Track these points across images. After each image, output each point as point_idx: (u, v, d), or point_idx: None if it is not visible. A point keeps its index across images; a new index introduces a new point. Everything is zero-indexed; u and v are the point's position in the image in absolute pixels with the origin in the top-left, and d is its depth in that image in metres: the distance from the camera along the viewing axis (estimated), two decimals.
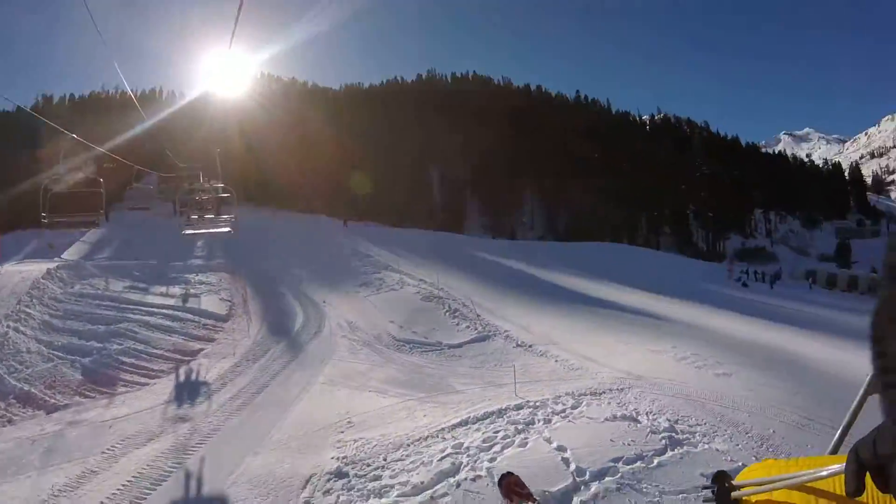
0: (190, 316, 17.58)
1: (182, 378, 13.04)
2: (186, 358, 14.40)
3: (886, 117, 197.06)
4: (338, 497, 7.31)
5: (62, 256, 28.15)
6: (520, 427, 9.14)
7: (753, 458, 7.73)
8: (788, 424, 9.48)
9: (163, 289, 20.77)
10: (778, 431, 9.17)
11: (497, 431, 9.00)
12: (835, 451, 1.50)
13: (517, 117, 73.96)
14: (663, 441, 8.31)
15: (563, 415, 9.71)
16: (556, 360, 14.32)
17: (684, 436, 8.70)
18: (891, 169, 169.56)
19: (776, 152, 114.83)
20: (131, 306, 17.90)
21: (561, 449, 8.01)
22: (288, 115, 63.44)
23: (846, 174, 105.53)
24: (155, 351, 14.54)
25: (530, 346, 15.73)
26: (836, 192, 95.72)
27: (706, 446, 8.39)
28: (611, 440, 8.29)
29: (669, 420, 9.31)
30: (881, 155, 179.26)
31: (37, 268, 20.11)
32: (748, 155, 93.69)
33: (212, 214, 15.45)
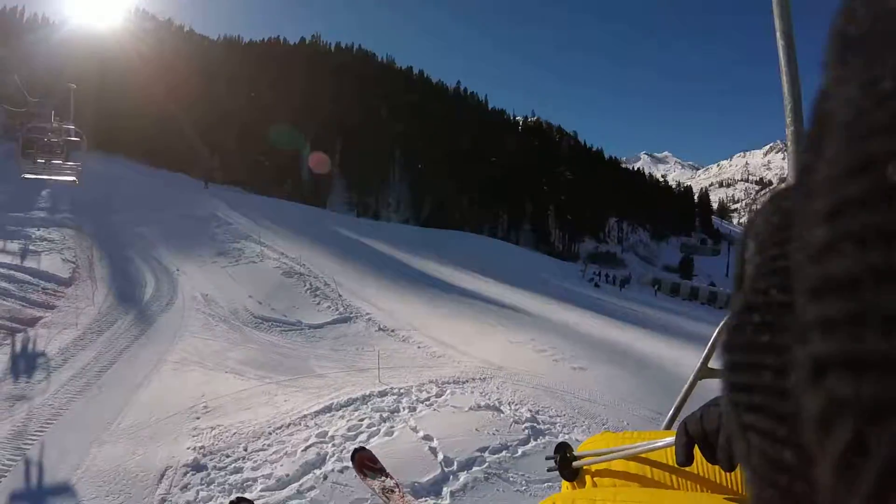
0: (28, 277, 15.31)
1: (17, 349, 11.38)
2: (22, 326, 12.59)
3: (739, 154, 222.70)
4: (197, 493, 6.62)
5: None
6: (385, 415, 8.87)
7: None
8: (640, 417, 9.89)
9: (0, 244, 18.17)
10: (631, 423, 9.54)
11: (362, 419, 8.66)
12: (668, 427, 1.62)
13: (395, 99, 74.06)
14: (526, 431, 8.47)
15: (427, 403, 9.58)
16: (419, 347, 14.19)
17: (545, 426, 8.92)
18: (735, 198, 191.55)
19: (636, 168, 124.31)
20: None
21: (427, 438, 7.86)
22: (157, 59, 59.08)
23: (696, 197, 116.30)
24: None
25: (392, 331, 15.48)
26: (685, 211, 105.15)
27: (566, 436, 8.54)
28: (476, 430, 8.28)
29: (531, 411, 9.49)
30: (729, 185, 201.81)
31: None
32: (610, 167, 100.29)
33: (59, 160, 13.75)
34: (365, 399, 9.54)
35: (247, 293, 17.60)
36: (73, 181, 13.57)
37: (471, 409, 9.28)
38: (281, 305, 16.86)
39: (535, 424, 8.83)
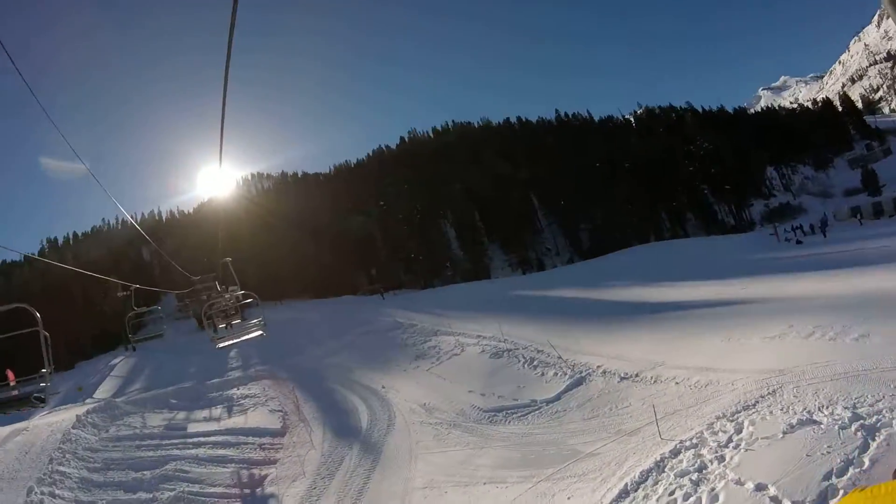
0: (243, 438, 15.69)
1: None
2: (251, 489, 12.43)
3: (853, 40, 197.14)
4: None
5: (93, 396, 26.26)
6: (694, 477, 7.48)
7: None
8: None
9: (205, 412, 18.84)
10: None
11: (672, 492, 7.21)
12: None
13: (509, 152, 74.03)
14: (860, 434, 6.99)
15: (732, 445, 8.05)
16: (676, 383, 12.26)
17: (874, 418, 7.31)
18: (874, 87, 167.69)
19: (762, 108, 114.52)
20: (175, 441, 15.93)
21: (761, 488, 6.52)
22: (284, 206, 63.54)
23: (838, 106, 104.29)
24: (213, 490, 12.79)
25: (637, 376, 13.61)
26: (835, 126, 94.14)
27: None
28: (807, 455, 6.83)
29: (847, 407, 7.85)
30: (860, 77, 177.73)
31: (66, 416, 17.92)
32: (739, 119, 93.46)
33: (238, 319, 14.16)
34: (659, 466, 8.04)
35: (465, 389, 16.55)
36: (261, 334, 13.85)
37: (785, 433, 7.72)
38: (506, 390, 15.53)
39: (862, 421, 7.29)
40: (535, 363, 17.00)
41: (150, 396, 21.33)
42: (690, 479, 7.31)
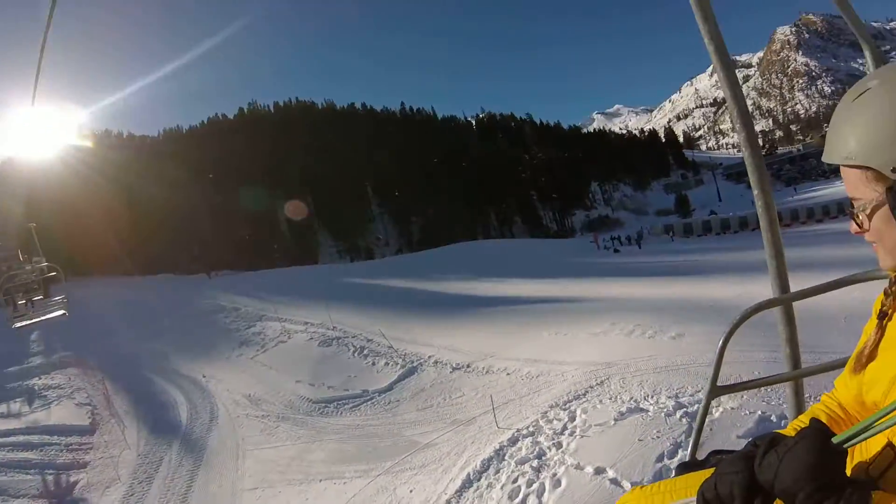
0: (47, 437, 13.40)
1: None
2: (60, 499, 10.74)
3: (686, 83, 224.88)
4: None
5: None
6: (535, 465, 7.45)
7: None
8: (762, 361, 8.41)
9: (1, 407, 15.99)
10: (760, 370, 8.12)
11: (515, 479, 7.15)
12: (692, 455, 1.54)
13: (351, 137, 72.77)
14: (684, 420, 7.46)
15: (568, 433, 8.15)
16: (508, 374, 12.40)
17: (695, 406, 7.76)
18: (697, 126, 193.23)
19: (594, 130, 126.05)
20: None
21: (600, 471, 6.68)
22: (104, 169, 56.66)
23: (662, 137, 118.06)
24: (16, 502, 10.77)
25: (469, 367, 13.59)
26: (656, 154, 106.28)
27: (717, 408, 7.54)
28: (639, 440, 7.15)
29: (670, 396, 8.36)
30: (686, 116, 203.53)
31: None
32: (572, 136, 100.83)
33: (40, 296, 12.37)
34: (500, 454, 7.95)
35: (292, 379, 15.54)
36: (63, 314, 12.21)
37: (616, 420, 7.99)
38: (336, 380, 14.81)
39: (685, 409, 7.77)
40: (366, 352, 16.52)
41: None
42: (531, 466, 7.28)
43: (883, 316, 1.13)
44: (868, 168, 0.95)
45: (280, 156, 67.75)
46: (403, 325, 18.92)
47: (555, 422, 8.60)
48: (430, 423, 10.77)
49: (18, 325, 12.80)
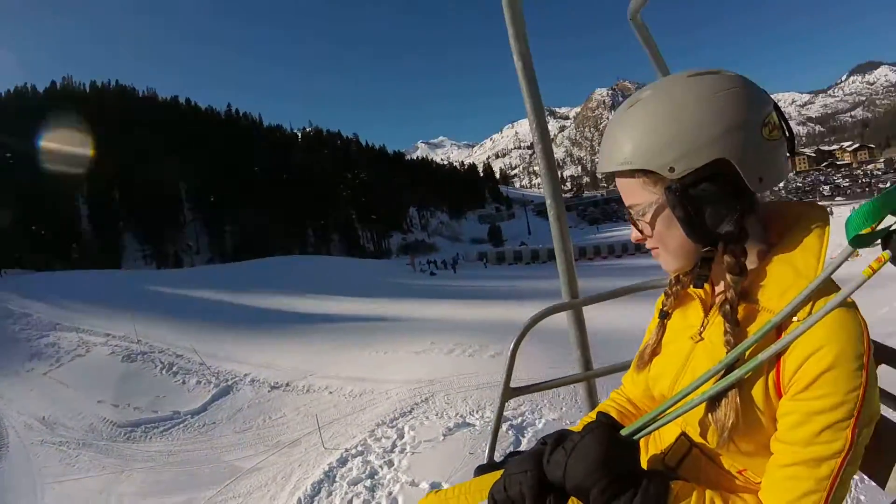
0: None
1: None
2: None
3: (507, 125, 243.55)
4: None
5: None
6: (368, 484, 7.38)
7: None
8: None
9: None
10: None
11: (350, 502, 6.87)
12: (489, 459, 1.53)
13: (169, 132, 67.57)
14: (511, 433, 7.91)
15: (398, 450, 8.19)
16: (330, 392, 11.96)
17: (519, 419, 8.41)
18: (513, 165, 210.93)
19: (417, 157, 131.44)
20: None
21: (436, 486, 6.73)
22: None
23: (480, 172, 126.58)
24: None
25: (288, 385, 12.95)
26: (474, 187, 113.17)
27: (541, 421, 8.30)
28: (470, 453, 7.51)
29: (493, 411, 8.34)
30: (504, 155, 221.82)
31: None
32: (395, 161, 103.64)
33: None
34: (329, 476, 7.71)
35: (93, 398, 13.53)
36: None
37: (445, 436, 8.26)
38: (143, 400, 13.20)
39: (510, 422, 8.30)
40: (175, 369, 15.04)
41: None
42: (365, 486, 7.12)
43: (664, 315, 1.22)
44: (645, 172, 0.99)
45: (89, 143, 60.39)
46: (216, 340, 17.66)
47: (383, 440, 8.52)
48: (251, 445, 10.01)
49: None
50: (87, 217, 60.69)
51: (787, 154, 1.00)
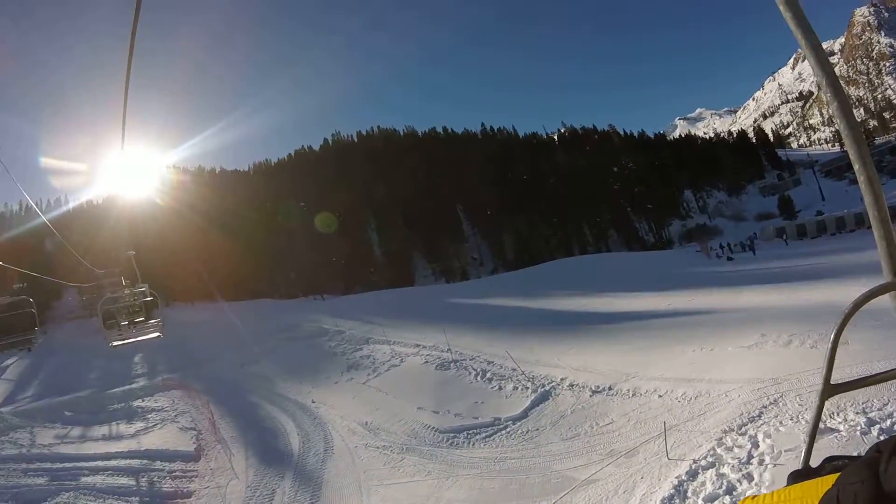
0: (148, 463, 12.95)
1: None
2: None
3: (768, 79, 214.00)
4: None
5: None
6: (727, 501, 6.63)
7: None
8: None
9: (104, 429, 15.91)
10: None
11: None
12: (806, 460, 1.40)
13: (434, 160, 73.06)
14: (882, 437, 6.61)
15: (756, 461, 7.20)
16: (660, 396, 11.08)
17: (887, 422, 7.31)
18: (785, 123, 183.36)
19: (679, 136, 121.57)
20: (69, 464, 13.21)
21: None
22: (199, 202, 60.10)
23: (751, 138, 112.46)
24: None
25: (610, 389, 12.26)
26: (747, 156, 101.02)
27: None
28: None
29: (858, 412, 7.59)
30: (772, 114, 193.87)
31: None
32: (659, 144, 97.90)
33: (142, 318, 12.64)
34: (680, 491, 6.93)
35: (413, 405, 14.43)
36: (158, 335, 12.17)
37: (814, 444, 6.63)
38: (462, 406, 13.62)
39: (879, 425, 7.19)
40: (489, 376, 15.24)
41: (43, 406, 18.12)
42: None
43: None
44: None
45: (368, 181, 68.53)
46: (522, 345, 17.54)
47: (735, 449, 7.58)
48: (581, 454, 9.56)
49: (116, 343, 12.90)
50: (378, 244, 67.63)
51: None
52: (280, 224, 59.67)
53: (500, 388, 14.15)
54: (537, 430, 11.35)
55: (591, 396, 12.19)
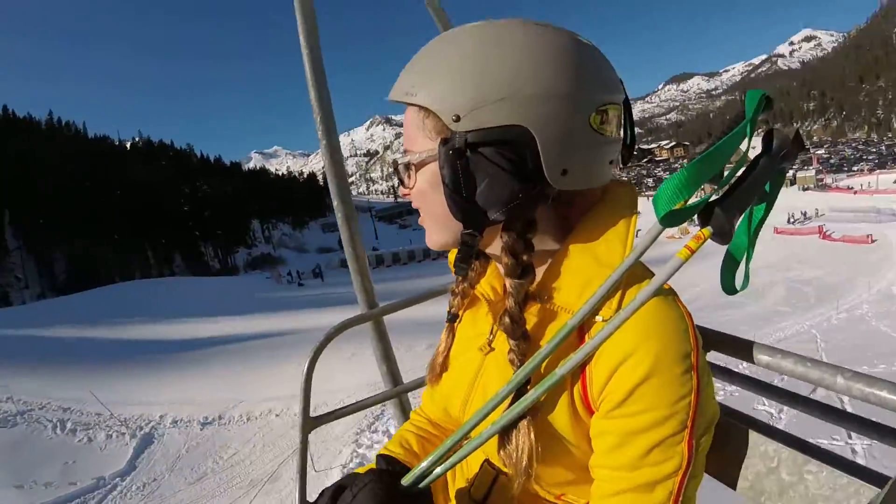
0: None
1: None
2: None
3: (343, 133, 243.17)
4: None
5: None
6: None
7: None
8: None
9: None
10: None
11: None
12: (302, 499, 1.31)
13: None
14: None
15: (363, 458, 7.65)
16: (277, 415, 11.17)
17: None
18: (350, 173, 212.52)
19: (251, 168, 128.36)
20: None
21: None
22: None
23: (319, 180, 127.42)
24: None
25: (222, 418, 11.73)
26: (314, 196, 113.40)
27: None
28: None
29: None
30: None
31: None
32: (234, 172, 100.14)
33: None
34: None
35: None
36: None
37: None
38: (51, 472, 10.26)
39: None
40: (71, 426, 12.30)
41: None
42: None
43: (453, 318, 1.02)
44: (428, 114, 0.80)
45: None
46: (104, 382, 14.96)
47: (375, 445, 8.24)
48: (220, 494, 8.66)
49: None
50: None
51: (613, 161, 0.81)
52: None
53: (91, 440, 11.63)
54: (155, 480, 9.73)
55: (202, 430, 11.31)
